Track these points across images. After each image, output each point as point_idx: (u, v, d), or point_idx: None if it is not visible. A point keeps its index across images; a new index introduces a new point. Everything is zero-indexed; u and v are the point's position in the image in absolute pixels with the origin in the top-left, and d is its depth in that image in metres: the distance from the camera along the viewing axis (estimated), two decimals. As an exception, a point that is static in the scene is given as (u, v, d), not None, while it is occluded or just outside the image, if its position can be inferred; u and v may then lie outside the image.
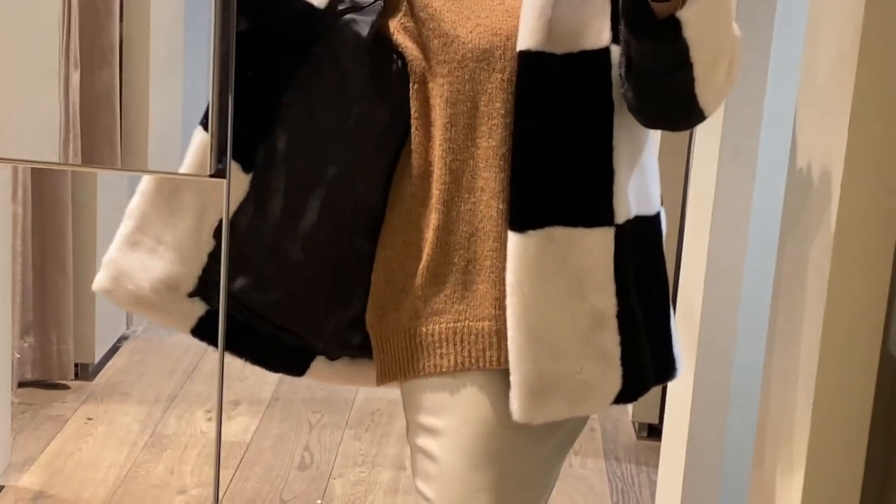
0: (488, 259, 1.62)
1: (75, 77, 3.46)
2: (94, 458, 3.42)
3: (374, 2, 1.63)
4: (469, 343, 1.62)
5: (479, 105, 1.60)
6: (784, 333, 1.86)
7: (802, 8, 1.95)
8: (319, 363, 1.78)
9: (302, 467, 3.48)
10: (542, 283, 1.59)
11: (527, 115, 1.58)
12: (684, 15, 1.47)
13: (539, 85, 1.57)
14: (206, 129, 1.62)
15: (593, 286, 1.61)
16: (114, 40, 3.58)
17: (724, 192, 2.69)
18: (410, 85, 1.63)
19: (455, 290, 1.63)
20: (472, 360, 1.62)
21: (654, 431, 3.72)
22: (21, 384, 3.78)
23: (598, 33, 1.57)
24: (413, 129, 1.64)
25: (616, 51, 1.57)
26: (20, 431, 3.52)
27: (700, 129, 2.85)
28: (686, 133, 3.37)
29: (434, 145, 1.63)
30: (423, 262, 1.64)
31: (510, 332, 1.59)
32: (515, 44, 1.57)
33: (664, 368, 1.73)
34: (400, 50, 1.63)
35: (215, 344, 1.70)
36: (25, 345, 3.77)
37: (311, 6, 1.63)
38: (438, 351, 1.63)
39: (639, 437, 3.79)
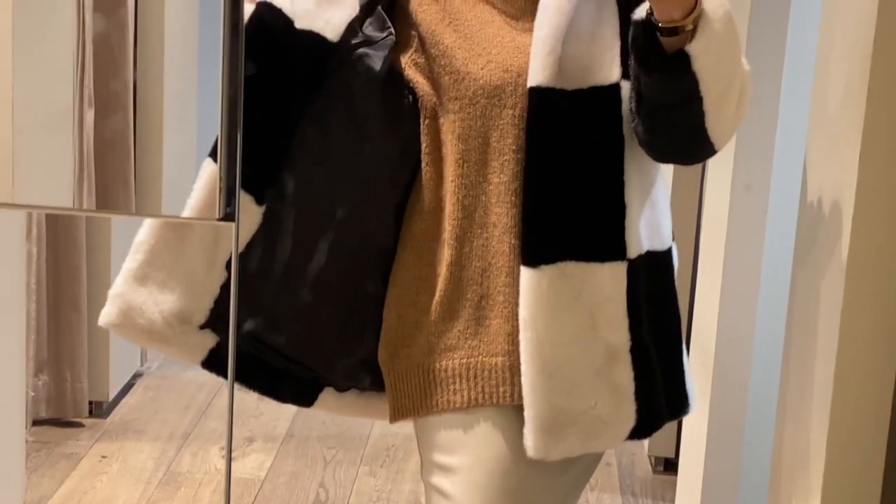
0: (501, 294, 1.62)
1: (89, 116, 3.48)
2: (108, 497, 3.42)
3: (387, 37, 1.64)
4: (483, 379, 1.62)
5: (490, 141, 1.61)
6: (798, 366, 1.86)
7: (812, 40, 1.95)
8: (328, 395, 1.78)
9: (317, 504, 3.47)
10: (555, 318, 1.59)
11: (538, 150, 1.59)
12: (693, 48, 1.48)
13: (550, 121, 1.58)
14: (215, 160, 1.62)
15: (606, 321, 1.61)
16: (128, 81, 3.60)
17: (737, 224, 2.70)
18: (421, 120, 1.64)
19: (468, 326, 1.64)
20: (486, 397, 1.62)
21: (670, 465, 3.70)
22: (35, 422, 3.78)
23: (607, 69, 1.58)
24: (424, 165, 1.65)
25: (626, 86, 1.58)
26: (34, 470, 3.52)
27: (712, 163, 2.85)
28: (698, 166, 3.38)
29: (445, 181, 1.64)
30: (436, 298, 1.65)
31: (523, 368, 1.59)
32: (526, 80, 1.59)
33: (677, 404, 1.73)
34: (411, 85, 1.64)
35: (226, 375, 1.70)
36: (39, 383, 3.78)
37: (325, 40, 1.64)
38: (452, 387, 1.63)
39: (655, 472, 3.77)
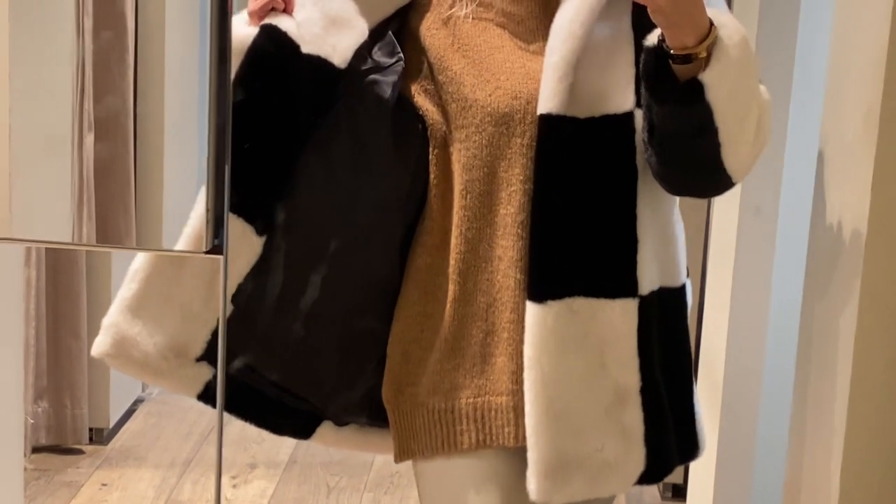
0: (506, 331, 1.57)
1: (89, 140, 3.45)
2: (108, 525, 3.38)
3: (396, 62, 1.59)
4: (489, 419, 1.57)
5: (497, 171, 1.57)
6: (811, 397, 1.81)
7: (821, 60, 1.93)
8: (327, 428, 1.74)
9: (320, 532, 3.43)
10: (561, 357, 1.54)
11: (547, 181, 1.54)
12: (707, 77, 1.43)
13: (560, 150, 1.54)
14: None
15: (616, 360, 1.56)
16: (128, 104, 3.57)
17: (746, 249, 2.67)
18: (431, 150, 1.59)
19: (474, 364, 1.59)
20: (493, 438, 1.57)
21: (678, 491, 3.66)
22: (35, 449, 3.73)
23: (621, 96, 1.53)
24: (431, 196, 1.60)
25: (640, 115, 1.53)
26: (34, 498, 3.48)
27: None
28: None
29: (451, 213, 1.59)
30: (441, 335, 1.60)
31: (527, 408, 1.54)
32: (536, 108, 1.54)
33: (688, 446, 1.68)
34: (421, 113, 1.59)
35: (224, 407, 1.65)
36: (39, 409, 3.73)
37: (332, 66, 1.59)
38: (458, 427, 1.58)
39: (663, 498, 3.72)
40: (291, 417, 1.72)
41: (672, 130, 1.48)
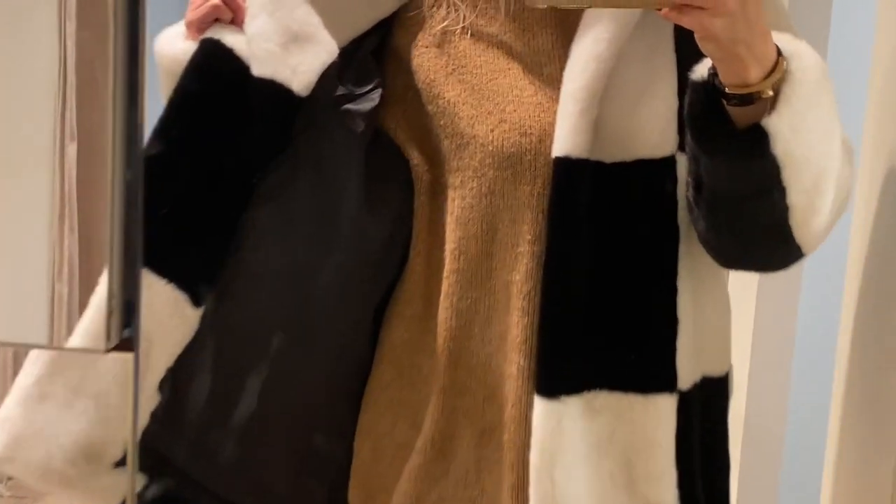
0: (506, 432, 1.25)
1: (72, 150, 3.20)
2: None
3: (373, 89, 1.27)
4: None
5: (498, 227, 1.25)
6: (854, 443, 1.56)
7: (857, 50, 1.76)
8: None
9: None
10: (577, 468, 1.21)
11: (562, 241, 1.21)
12: (773, 124, 1.09)
13: (579, 202, 1.21)
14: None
15: (647, 473, 1.22)
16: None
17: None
18: (415, 199, 1.28)
19: (467, 472, 1.27)
20: None
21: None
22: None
23: (660, 137, 1.20)
24: (412, 256, 1.29)
25: (684, 161, 1.21)
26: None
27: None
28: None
29: (438, 278, 1.27)
30: (424, 432, 1.28)
31: None
32: (550, 148, 1.22)
33: None
34: (403, 153, 1.28)
35: None
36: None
37: (290, 93, 1.27)
38: None
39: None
40: None
41: (726, 190, 1.15)
